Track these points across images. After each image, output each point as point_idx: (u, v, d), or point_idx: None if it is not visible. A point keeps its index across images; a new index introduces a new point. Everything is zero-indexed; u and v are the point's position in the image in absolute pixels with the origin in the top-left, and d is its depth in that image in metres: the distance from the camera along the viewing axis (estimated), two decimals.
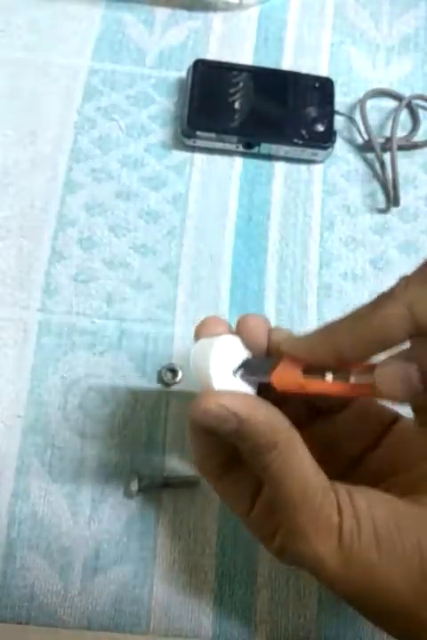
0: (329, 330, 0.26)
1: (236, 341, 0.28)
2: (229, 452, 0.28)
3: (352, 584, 0.24)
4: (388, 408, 0.30)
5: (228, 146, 0.44)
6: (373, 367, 0.26)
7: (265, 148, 0.44)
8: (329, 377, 0.26)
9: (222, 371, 0.27)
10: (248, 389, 0.27)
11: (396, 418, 0.30)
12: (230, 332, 0.28)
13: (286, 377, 0.27)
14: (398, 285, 0.25)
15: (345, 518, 0.24)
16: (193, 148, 0.45)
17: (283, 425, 0.26)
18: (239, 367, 0.27)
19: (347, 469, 0.29)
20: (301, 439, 0.26)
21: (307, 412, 0.30)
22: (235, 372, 0.27)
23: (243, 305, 0.41)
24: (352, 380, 0.26)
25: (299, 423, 0.26)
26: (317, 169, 0.45)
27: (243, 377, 0.27)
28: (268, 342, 0.28)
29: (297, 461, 0.25)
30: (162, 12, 0.49)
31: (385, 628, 0.26)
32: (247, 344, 0.28)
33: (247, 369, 0.27)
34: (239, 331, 0.28)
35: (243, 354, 0.28)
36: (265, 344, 0.28)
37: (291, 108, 0.44)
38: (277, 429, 0.26)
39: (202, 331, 0.28)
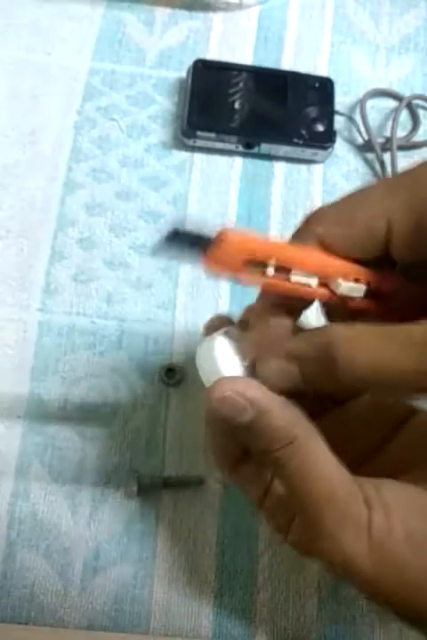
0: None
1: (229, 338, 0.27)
2: (245, 445, 0.27)
3: (384, 582, 0.23)
4: (404, 402, 0.29)
5: (228, 146, 0.44)
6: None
7: (265, 148, 0.44)
8: (270, 270, 0.24)
9: (231, 363, 0.26)
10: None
11: (413, 411, 0.29)
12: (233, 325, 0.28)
13: (227, 257, 0.23)
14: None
15: (374, 513, 0.23)
16: (193, 148, 0.45)
17: (301, 418, 0.25)
18: (172, 236, 0.24)
19: (360, 463, 0.28)
20: (318, 433, 0.25)
21: (318, 404, 0.29)
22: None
23: (243, 305, 0.41)
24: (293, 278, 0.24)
25: (310, 416, 0.26)
26: (317, 169, 0.45)
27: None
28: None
29: (318, 457, 0.24)
30: (162, 12, 0.49)
31: (419, 627, 0.25)
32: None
33: (178, 237, 0.24)
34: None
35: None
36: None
37: (291, 108, 0.44)
38: (296, 422, 0.24)
39: (207, 330, 0.28)
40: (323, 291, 0.25)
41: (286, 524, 0.27)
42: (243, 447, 0.27)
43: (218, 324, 0.28)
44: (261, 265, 0.24)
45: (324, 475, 0.24)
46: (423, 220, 0.23)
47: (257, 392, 0.24)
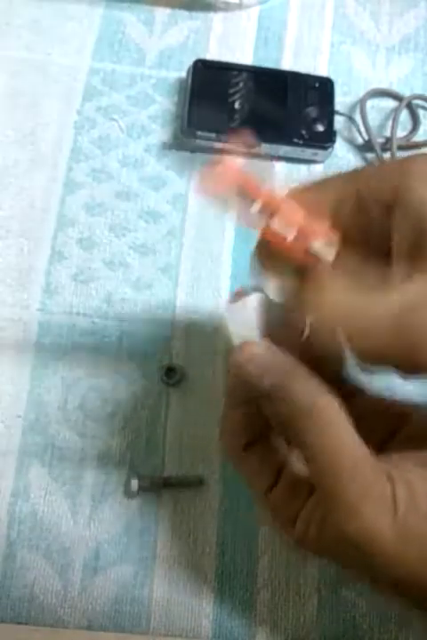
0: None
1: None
2: (259, 428, 0.27)
3: (407, 560, 0.23)
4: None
5: (228, 146, 0.44)
6: None
7: (265, 147, 0.44)
8: (255, 206, 0.25)
9: (264, 322, 0.26)
10: None
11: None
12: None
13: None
14: None
15: (398, 488, 0.23)
16: (193, 148, 0.45)
17: (324, 389, 0.24)
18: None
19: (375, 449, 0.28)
20: (341, 407, 0.24)
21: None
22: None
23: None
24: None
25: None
26: (317, 169, 0.45)
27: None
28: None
29: (342, 429, 0.24)
30: (162, 12, 0.49)
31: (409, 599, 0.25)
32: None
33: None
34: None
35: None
36: None
37: (291, 108, 0.44)
38: (320, 392, 0.24)
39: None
40: (296, 245, 0.25)
41: (293, 514, 0.26)
42: (258, 427, 0.27)
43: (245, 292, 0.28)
44: (250, 202, 0.25)
45: (347, 447, 0.23)
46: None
47: (284, 357, 0.24)
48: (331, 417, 0.24)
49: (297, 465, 0.27)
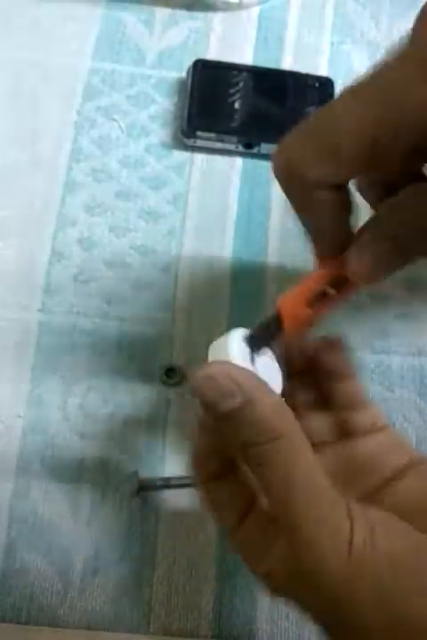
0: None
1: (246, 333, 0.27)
2: (230, 457, 0.26)
3: (360, 602, 0.21)
4: (408, 449, 0.28)
5: (228, 146, 0.44)
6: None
7: (265, 148, 0.44)
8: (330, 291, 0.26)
9: (242, 354, 0.26)
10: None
11: (416, 460, 0.28)
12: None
13: (293, 305, 0.26)
14: None
15: (357, 526, 0.22)
16: (193, 148, 0.45)
17: (290, 416, 0.23)
18: (251, 342, 0.26)
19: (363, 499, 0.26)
20: (305, 437, 0.23)
21: (330, 431, 0.29)
22: (251, 352, 0.26)
23: (243, 303, 0.41)
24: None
25: (320, 440, 0.26)
26: None
27: (257, 350, 0.27)
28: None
29: (303, 458, 0.23)
30: (162, 12, 0.49)
31: None
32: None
33: (257, 339, 0.26)
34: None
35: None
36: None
37: (291, 108, 0.44)
38: (284, 418, 0.23)
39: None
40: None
41: (260, 553, 0.24)
42: (225, 462, 0.26)
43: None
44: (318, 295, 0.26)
45: (307, 478, 0.22)
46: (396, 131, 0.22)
47: (248, 378, 0.23)
48: (294, 445, 0.23)
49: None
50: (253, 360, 0.26)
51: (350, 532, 0.22)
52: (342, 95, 0.24)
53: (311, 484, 0.23)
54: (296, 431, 0.23)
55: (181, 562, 0.35)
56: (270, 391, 0.24)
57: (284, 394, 0.27)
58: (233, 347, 0.26)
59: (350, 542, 0.21)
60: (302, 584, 0.23)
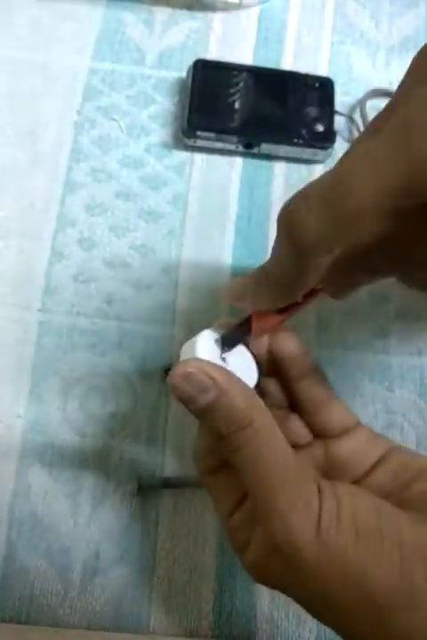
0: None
1: (217, 334, 0.28)
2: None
3: (325, 576, 0.22)
4: (384, 441, 0.29)
5: (228, 146, 0.44)
6: None
7: (265, 148, 0.44)
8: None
9: (211, 352, 0.27)
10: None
11: (391, 449, 0.28)
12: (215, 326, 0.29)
13: (264, 316, 0.27)
14: None
15: (325, 500, 0.23)
16: (193, 148, 0.45)
17: (259, 404, 0.25)
18: (223, 344, 0.28)
19: None
20: (275, 422, 0.25)
21: (307, 433, 0.30)
22: (222, 352, 0.28)
23: None
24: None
25: (297, 441, 0.26)
26: (317, 169, 0.45)
27: (228, 349, 0.28)
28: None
29: (274, 443, 0.24)
30: (162, 12, 0.49)
31: (345, 634, 0.23)
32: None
33: (229, 341, 0.28)
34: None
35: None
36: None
37: (291, 107, 0.44)
38: (254, 406, 0.25)
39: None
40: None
41: (246, 541, 0.26)
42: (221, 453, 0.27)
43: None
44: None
45: (278, 460, 0.24)
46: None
47: (220, 373, 0.25)
48: (265, 431, 0.24)
49: None
50: (223, 359, 0.28)
51: (318, 507, 0.23)
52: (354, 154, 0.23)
53: (281, 464, 0.24)
54: (265, 417, 0.25)
55: (181, 562, 0.35)
56: (241, 383, 0.25)
57: (259, 388, 0.28)
58: (203, 346, 0.27)
59: (319, 521, 0.22)
60: (281, 567, 0.24)
